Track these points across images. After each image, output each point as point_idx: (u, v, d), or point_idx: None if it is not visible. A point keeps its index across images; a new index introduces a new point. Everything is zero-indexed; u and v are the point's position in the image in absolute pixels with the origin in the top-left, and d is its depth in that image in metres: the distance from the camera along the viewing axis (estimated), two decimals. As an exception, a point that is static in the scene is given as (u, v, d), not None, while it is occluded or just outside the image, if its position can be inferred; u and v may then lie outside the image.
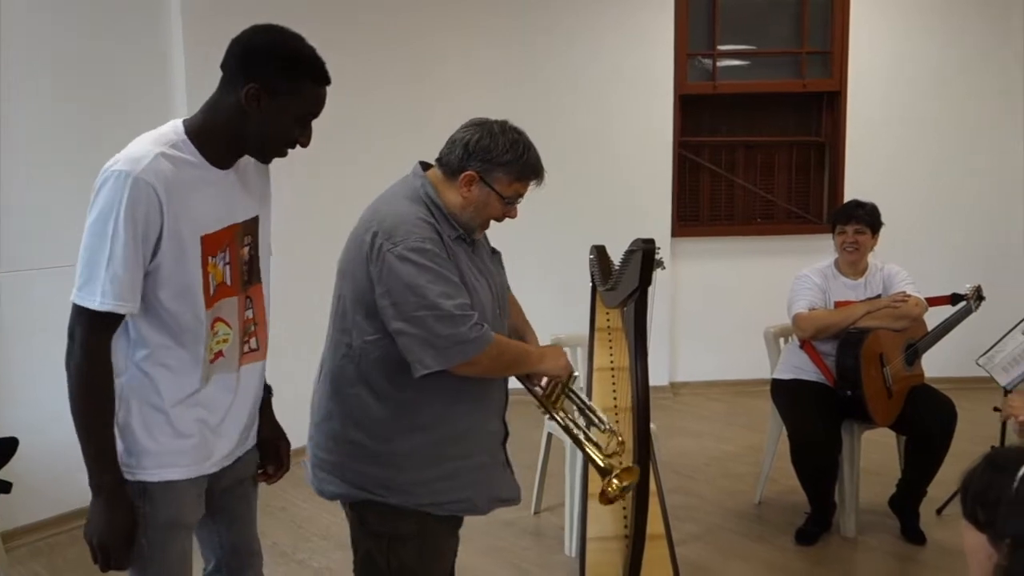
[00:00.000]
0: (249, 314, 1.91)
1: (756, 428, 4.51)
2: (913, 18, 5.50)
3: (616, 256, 2.92)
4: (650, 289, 2.63)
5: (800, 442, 3.44)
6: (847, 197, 5.33)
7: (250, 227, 1.89)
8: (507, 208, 2.15)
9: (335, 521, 3.54)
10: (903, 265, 3.71)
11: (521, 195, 2.17)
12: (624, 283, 2.75)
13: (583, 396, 2.34)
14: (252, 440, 2.03)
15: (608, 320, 3.31)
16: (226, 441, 1.90)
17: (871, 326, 3.46)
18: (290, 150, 1.83)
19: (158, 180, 1.66)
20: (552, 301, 5.32)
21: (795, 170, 5.81)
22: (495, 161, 2.08)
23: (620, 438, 2.27)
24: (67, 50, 3.65)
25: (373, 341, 2.01)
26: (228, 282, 1.83)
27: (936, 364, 3.88)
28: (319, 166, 4.00)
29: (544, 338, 3.70)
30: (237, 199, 1.84)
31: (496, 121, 2.14)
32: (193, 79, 3.94)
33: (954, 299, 3.61)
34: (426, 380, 1.97)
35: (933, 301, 3.60)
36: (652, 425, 2.84)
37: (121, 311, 1.68)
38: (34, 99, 3.54)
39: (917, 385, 3.55)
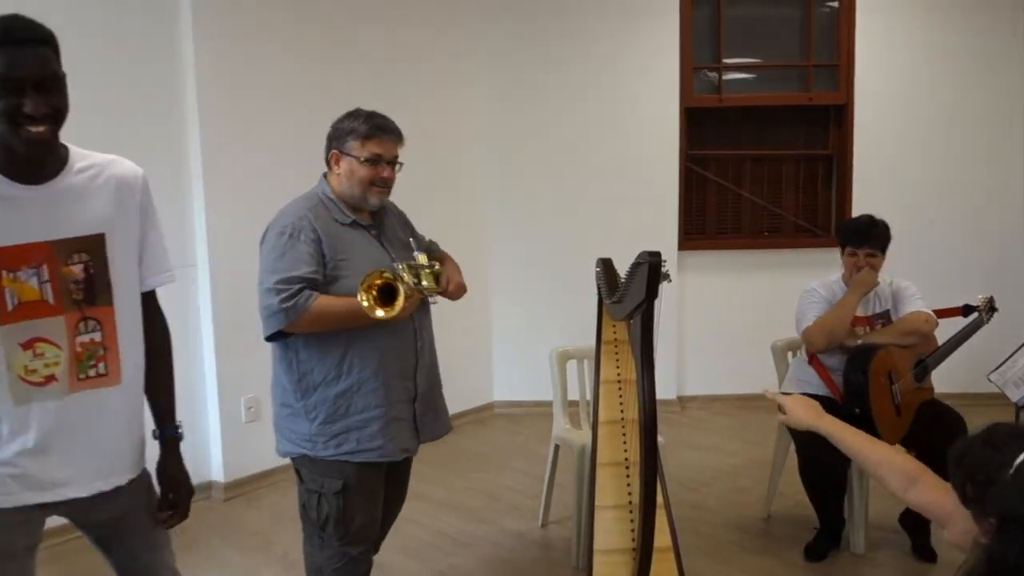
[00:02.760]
0: (94, 337, 1.83)
1: (763, 442, 4.50)
2: (919, 31, 5.51)
3: (622, 269, 2.92)
4: (657, 302, 2.63)
5: (808, 456, 3.41)
6: (855, 210, 5.33)
7: (82, 244, 1.81)
8: (373, 169, 2.46)
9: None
10: (911, 279, 3.68)
11: (379, 155, 2.47)
12: (630, 296, 2.75)
13: (415, 273, 2.46)
14: (118, 476, 1.91)
15: (615, 333, 3.31)
16: (62, 469, 1.81)
17: (880, 342, 3.44)
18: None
19: None
20: (559, 314, 5.33)
21: (802, 183, 5.82)
22: (344, 133, 2.48)
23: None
24: (79, 56, 3.66)
25: None
26: (50, 300, 1.76)
27: (946, 379, 3.86)
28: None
29: (551, 349, 3.71)
30: (55, 216, 1.77)
31: (351, 110, 2.53)
32: (204, 80, 4.00)
33: (966, 311, 3.59)
34: (313, 345, 2.40)
35: (943, 313, 3.57)
36: (660, 438, 2.83)
37: None
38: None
39: (926, 400, 3.53)
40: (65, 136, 1.79)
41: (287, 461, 2.58)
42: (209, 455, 4.25)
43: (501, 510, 4.03)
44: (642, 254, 2.61)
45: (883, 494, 3.82)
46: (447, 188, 5.14)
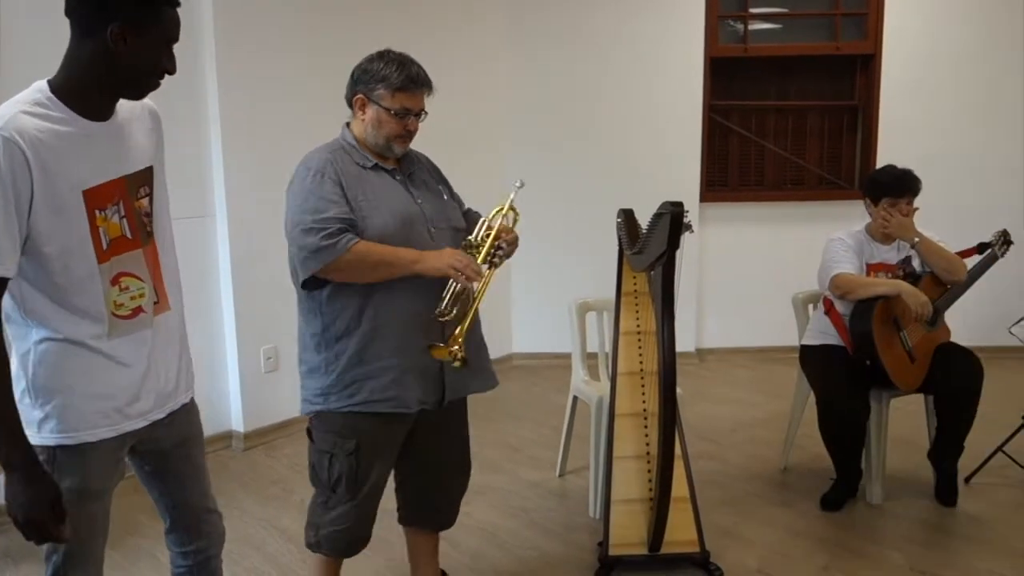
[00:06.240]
0: None
1: (782, 394, 4.49)
2: (951, -22, 5.37)
3: (644, 220, 2.91)
4: (678, 253, 2.62)
5: (828, 408, 3.41)
6: (879, 161, 5.25)
7: (143, 177, 1.86)
8: (402, 121, 2.37)
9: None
10: (936, 231, 3.62)
11: (409, 108, 2.36)
12: (651, 247, 2.74)
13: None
14: (185, 395, 2.01)
15: (635, 284, 3.30)
16: (146, 396, 1.88)
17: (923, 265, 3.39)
18: (160, 81, 1.78)
19: (22, 137, 1.61)
20: (580, 265, 5.32)
21: (827, 135, 5.73)
22: (373, 79, 2.35)
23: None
24: None
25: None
26: (129, 235, 1.81)
27: (967, 332, 3.83)
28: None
29: (570, 301, 3.71)
30: (123, 150, 1.81)
31: (381, 50, 2.40)
32: (221, 28, 3.97)
33: (980, 248, 3.55)
34: (337, 294, 2.32)
35: (961, 255, 3.53)
36: (678, 389, 2.83)
37: None
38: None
39: (941, 344, 3.50)
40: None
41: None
42: (229, 405, 4.30)
43: (519, 460, 4.06)
44: (664, 204, 2.59)
45: (901, 446, 3.83)
46: (465, 139, 5.10)
